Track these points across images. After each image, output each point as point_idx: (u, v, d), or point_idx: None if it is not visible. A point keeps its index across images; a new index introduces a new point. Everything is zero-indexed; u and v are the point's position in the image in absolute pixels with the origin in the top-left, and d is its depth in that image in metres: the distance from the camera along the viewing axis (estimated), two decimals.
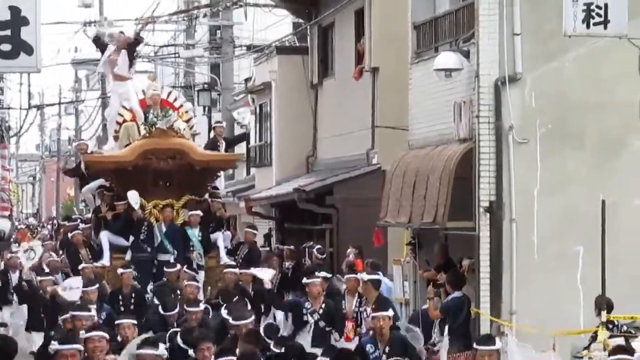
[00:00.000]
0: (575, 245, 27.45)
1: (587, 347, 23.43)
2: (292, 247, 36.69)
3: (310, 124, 44.19)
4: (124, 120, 32.49)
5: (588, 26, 22.42)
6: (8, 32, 14.58)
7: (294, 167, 41.66)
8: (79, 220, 37.69)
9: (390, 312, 20.57)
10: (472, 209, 30.91)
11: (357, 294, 23.63)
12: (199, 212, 30.56)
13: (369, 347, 19.29)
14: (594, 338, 24.11)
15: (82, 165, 35.59)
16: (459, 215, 31.06)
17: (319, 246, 35.54)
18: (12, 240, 51.58)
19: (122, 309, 24.52)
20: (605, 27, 22.45)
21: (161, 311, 23.91)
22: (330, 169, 41.92)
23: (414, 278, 33.84)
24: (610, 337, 24.04)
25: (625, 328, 23.23)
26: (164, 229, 30.11)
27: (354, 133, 40.25)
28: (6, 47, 14.61)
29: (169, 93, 34.04)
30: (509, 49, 30.31)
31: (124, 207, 30.92)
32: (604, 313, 24.44)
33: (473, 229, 30.72)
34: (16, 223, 65.82)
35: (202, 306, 22.22)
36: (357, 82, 41.04)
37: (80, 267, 28.08)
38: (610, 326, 24.31)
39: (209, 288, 28.63)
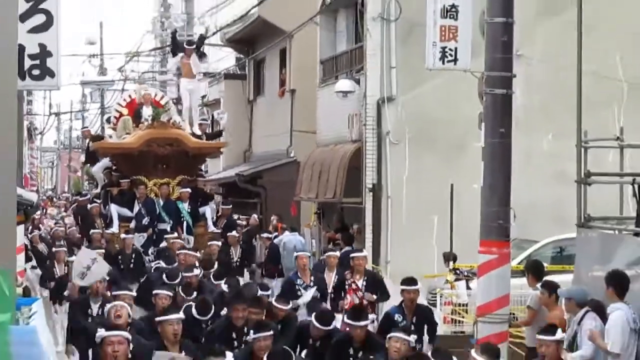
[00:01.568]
0: (431, 215, 27.50)
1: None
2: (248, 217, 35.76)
3: (247, 128, 43.99)
4: (121, 115, 31.62)
5: (443, 63, 22.35)
6: (37, 62, 14.46)
7: (235, 158, 41.43)
8: (89, 195, 35.71)
9: (420, 286, 18.10)
10: (360, 189, 31.07)
11: (335, 270, 20.39)
12: (188, 190, 29.66)
13: (397, 317, 16.95)
14: (445, 281, 24.22)
15: (90, 147, 34.23)
16: (351, 194, 31.22)
17: (254, 215, 35.18)
18: (39, 206, 51.06)
19: (122, 267, 23.26)
20: (455, 64, 22.38)
21: (163, 264, 22.50)
22: (260, 160, 41.76)
23: (318, 237, 33.94)
24: (455, 279, 24.11)
25: (465, 273, 23.25)
26: (161, 203, 29.18)
27: (277, 135, 40.13)
28: (36, 72, 14.51)
29: (156, 94, 33.06)
30: (387, 78, 30.39)
31: (128, 184, 30.00)
32: (451, 263, 24.49)
33: (360, 203, 30.93)
34: (40, 195, 65.11)
35: (196, 271, 20.17)
36: (281, 99, 40.96)
37: (91, 232, 27.29)
38: (455, 272, 24.38)
39: (198, 251, 25.97)
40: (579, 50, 17.43)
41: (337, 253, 21.15)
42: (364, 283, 19.06)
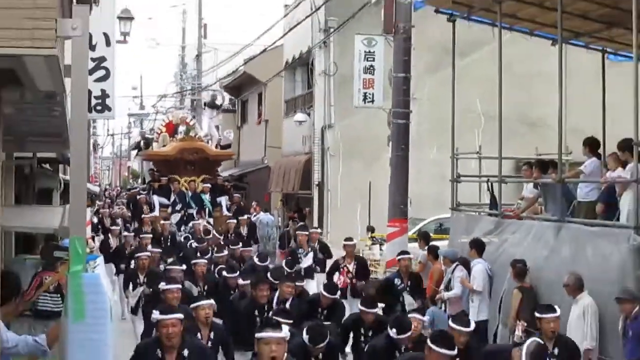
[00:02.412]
0: (357, 202, 27.49)
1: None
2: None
3: (237, 144, 43.87)
4: (161, 132, 31.16)
5: (365, 102, 22.49)
6: (100, 101, 14.45)
7: (229, 164, 41.25)
8: (138, 188, 35.80)
9: (412, 255, 16.16)
10: (310, 185, 31.02)
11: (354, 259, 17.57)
12: (209, 185, 28.93)
13: (396, 281, 15.34)
14: (366, 245, 24.21)
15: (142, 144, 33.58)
16: (304, 187, 31.20)
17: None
18: (100, 195, 50.57)
19: (162, 245, 21.35)
20: (372, 103, 22.51)
21: (194, 245, 21.59)
22: (245, 165, 41.56)
23: (282, 216, 33.85)
24: (372, 244, 24.13)
25: (379, 240, 23.28)
26: (190, 194, 28.61)
27: (256, 149, 40.05)
28: (99, 107, 14.50)
29: (188, 117, 32.58)
30: (328, 112, 30.42)
31: (166, 181, 29.47)
32: (369, 233, 24.52)
33: (310, 194, 30.90)
34: (101, 188, 64.50)
35: (225, 252, 17.82)
36: (258, 126, 40.89)
37: (142, 216, 26.13)
38: (372, 239, 24.40)
39: (219, 227, 25.87)
40: (453, 94, 17.51)
41: (353, 242, 17.85)
42: (355, 267, 17.06)
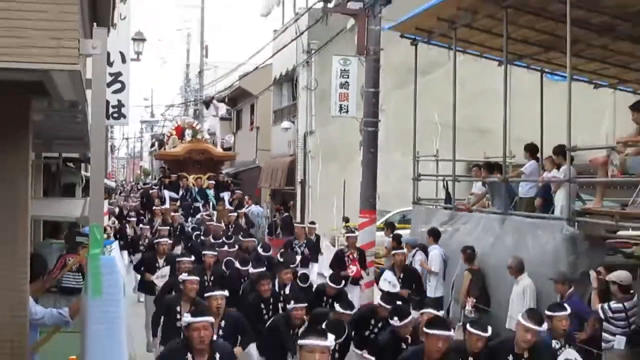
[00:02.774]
0: (334, 197, 27.39)
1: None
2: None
3: (233, 148, 43.73)
4: (171, 134, 31.34)
5: (340, 113, 22.42)
6: (116, 110, 14.32)
7: (227, 164, 41.02)
8: (151, 184, 35.51)
9: (405, 250, 15.10)
10: (294, 182, 30.91)
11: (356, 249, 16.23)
12: (213, 182, 29.08)
13: (390, 274, 14.01)
14: (341, 232, 24.15)
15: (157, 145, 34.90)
16: (289, 184, 31.02)
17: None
18: (117, 190, 50.42)
19: (171, 234, 19.74)
20: (347, 113, 22.47)
21: (202, 237, 19.15)
22: (240, 165, 41.34)
23: (271, 208, 33.73)
24: (347, 232, 24.04)
25: (352, 228, 23.21)
26: (196, 190, 28.68)
27: (249, 151, 39.84)
28: (115, 115, 14.33)
29: (194, 123, 32.58)
30: (309, 120, 30.26)
31: (175, 178, 29.58)
32: (344, 223, 24.47)
33: (294, 190, 30.69)
34: (117, 184, 64.19)
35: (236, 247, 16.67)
36: (250, 132, 40.68)
37: (153, 208, 25.48)
38: (347, 228, 24.35)
39: (221, 219, 24.06)
40: (415, 107, 17.52)
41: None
42: (358, 256, 15.99)
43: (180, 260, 12.97)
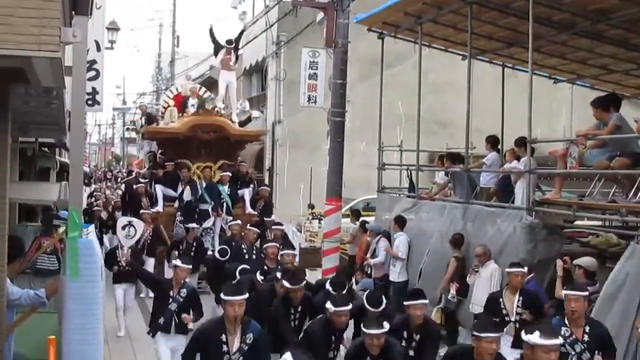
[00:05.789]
0: (300, 184, 27.38)
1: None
2: None
3: None
4: (168, 105, 21.06)
5: (309, 103, 22.36)
6: (91, 97, 14.24)
7: None
8: (135, 173, 22.45)
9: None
10: (262, 169, 30.84)
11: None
12: (229, 173, 19.17)
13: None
14: (307, 219, 24.16)
15: (144, 120, 22.69)
16: (257, 170, 30.86)
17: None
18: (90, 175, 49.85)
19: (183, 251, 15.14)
20: (315, 103, 22.42)
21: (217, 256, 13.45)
22: None
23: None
24: (312, 218, 24.11)
25: (318, 215, 23.28)
26: (204, 185, 18.61)
27: None
28: (90, 102, 14.29)
29: (200, 88, 22.02)
30: (277, 110, 30.31)
31: (172, 167, 19.37)
32: (309, 209, 24.51)
33: (262, 177, 30.60)
34: (90, 169, 63.46)
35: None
36: None
37: (140, 212, 16.97)
38: (313, 215, 24.39)
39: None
40: (380, 98, 17.54)
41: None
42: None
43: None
